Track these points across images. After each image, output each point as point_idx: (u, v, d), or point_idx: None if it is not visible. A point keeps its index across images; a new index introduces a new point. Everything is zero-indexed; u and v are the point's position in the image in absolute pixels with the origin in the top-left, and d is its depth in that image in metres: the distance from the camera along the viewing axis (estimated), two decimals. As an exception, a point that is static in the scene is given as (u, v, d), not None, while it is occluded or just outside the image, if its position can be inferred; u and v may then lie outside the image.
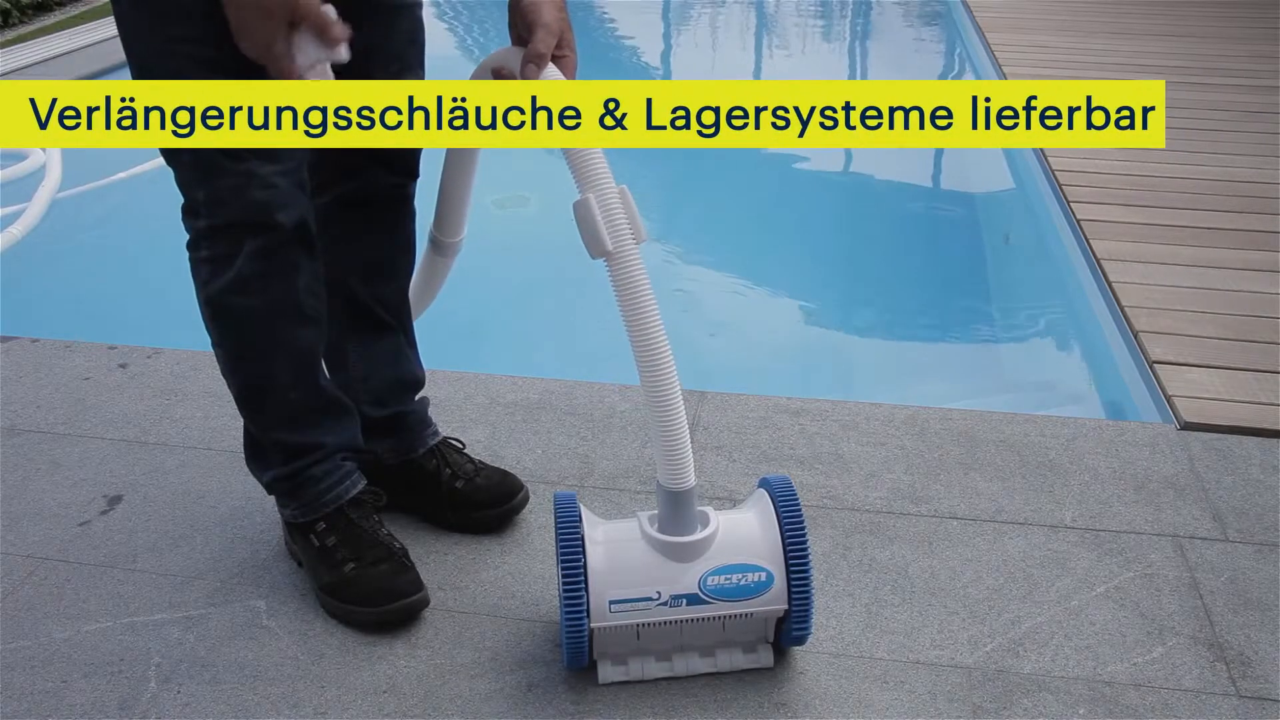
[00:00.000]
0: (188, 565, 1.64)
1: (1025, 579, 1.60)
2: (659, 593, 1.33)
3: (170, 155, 1.36)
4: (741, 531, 1.38)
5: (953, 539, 1.69)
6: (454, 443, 1.74)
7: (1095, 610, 1.53)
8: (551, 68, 1.33)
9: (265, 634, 1.51)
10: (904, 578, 1.60)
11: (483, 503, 1.68)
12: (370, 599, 1.50)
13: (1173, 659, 1.45)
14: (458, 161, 1.56)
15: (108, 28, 5.44)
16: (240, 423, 1.54)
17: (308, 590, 1.57)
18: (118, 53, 1.32)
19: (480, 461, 1.73)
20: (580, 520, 1.35)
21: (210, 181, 1.34)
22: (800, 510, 1.36)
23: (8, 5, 5.93)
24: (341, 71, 1.47)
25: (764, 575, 1.34)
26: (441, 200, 1.59)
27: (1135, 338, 2.33)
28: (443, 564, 1.63)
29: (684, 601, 1.34)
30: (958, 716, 1.36)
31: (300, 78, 1.25)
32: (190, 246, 1.41)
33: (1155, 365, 2.20)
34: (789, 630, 1.38)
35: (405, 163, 1.57)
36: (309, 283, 1.44)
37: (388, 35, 1.48)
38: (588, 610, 1.32)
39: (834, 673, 1.43)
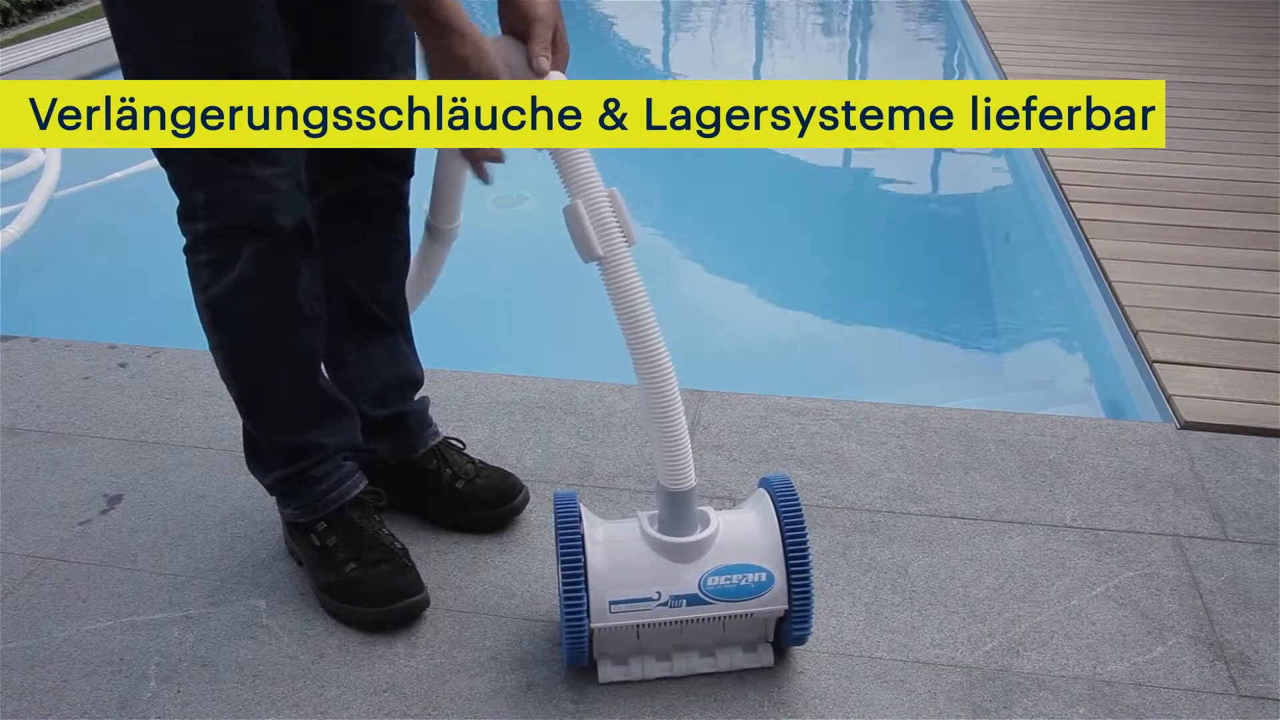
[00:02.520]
0: (188, 565, 1.64)
1: (1025, 578, 1.60)
2: (659, 593, 1.33)
3: (167, 158, 1.35)
4: (741, 532, 1.38)
5: (953, 538, 1.69)
6: (454, 443, 1.74)
7: (1095, 609, 1.53)
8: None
9: (265, 633, 1.51)
10: (904, 577, 1.60)
11: (483, 503, 1.68)
12: (371, 599, 1.50)
13: (1173, 658, 1.45)
14: (453, 149, 1.55)
15: (108, 27, 5.43)
16: (240, 422, 1.54)
17: (308, 590, 1.57)
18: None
19: (480, 461, 1.73)
20: (580, 520, 1.35)
21: (210, 185, 1.34)
22: (800, 510, 1.36)
23: (8, 5, 5.93)
24: (331, 72, 1.48)
25: (764, 576, 1.34)
26: (437, 187, 1.59)
27: (1135, 337, 2.33)
28: (443, 564, 1.63)
29: (684, 602, 1.34)
30: (958, 716, 1.36)
31: None
32: (189, 250, 1.40)
33: (1155, 364, 2.20)
34: (789, 630, 1.38)
35: (399, 162, 1.57)
36: (308, 284, 1.44)
37: (378, 36, 1.48)
38: (588, 611, 1.32)
39: (834, 672, 1.43)
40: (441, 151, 1.56)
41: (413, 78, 1.55)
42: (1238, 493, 1.79)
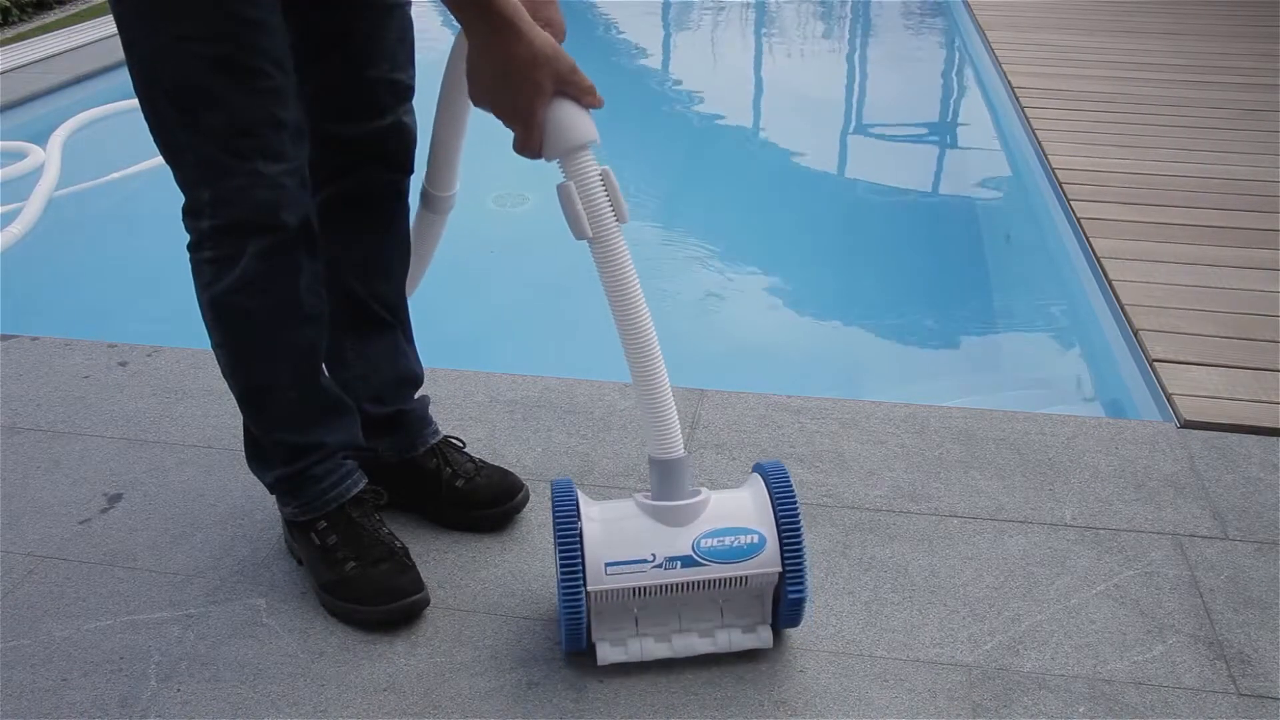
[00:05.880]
0: (188, 563, 1.64)
1: (1025, 577, 1.60)
2: (653, 554, 1.35)
3: (173, 155, 1.35)
4: (733, 499, 1.41)
5: (953, 537, 1.69)
6: (454, 441, 1.74)
7: (1095, 608, 1.54)
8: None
9: (265, 632, 1.51)
10: (904, 576, 1.60)
11: (483, 501, 1.68)
12: (371, 598, 1.50)
13: (1172, 657, 1.45)
14: (449, 113, 1.54)
15: (108, 26, 5.43)
16: (240, 420, 1.54)
17: (308, 589, 1.57)
18: (118, 51, 1.32)
19: (480, 460, 1.73)
20: (576, 496, 1.38)
21: (216, 182, 1.34)
22: (789, 480, 1.39)
23: (8, 3, 5.93)
24: (332, 72, 1.47)
25: (756, 538, 1.37)
26: (433, 153, 1.58)
27: (1135, 336, 2.33)
28: (443, 562, 1.63)
29: (678, 564, 1.35)
30: (958, 715, 1.36)
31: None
32: (192, 248, 1.40)
33: (1155, 363, 2.20)
34: (784, 596, 1.38)
35: (400, 159, 1.57)
36: (310, 282, 1.44)
37: (379, 35, 1.48)
38: (584, 575, 1.33)
39: (834, 671, 1.43)
40: (438, 115, 1.55)
41: (413, 77, 1.55)
42: (1238, 491, 1.79)
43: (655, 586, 1.36)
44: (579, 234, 1.30)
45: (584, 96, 1.28)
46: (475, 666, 1.44)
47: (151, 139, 1.35)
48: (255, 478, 1.59)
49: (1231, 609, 1.53)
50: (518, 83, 1.23)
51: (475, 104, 1.29)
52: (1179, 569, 1.61)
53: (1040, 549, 1.66)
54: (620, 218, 1.30)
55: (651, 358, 1.32)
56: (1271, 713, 1.36)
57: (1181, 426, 1.99)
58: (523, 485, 1.71)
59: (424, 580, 1.52)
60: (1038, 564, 1.62)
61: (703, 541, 1.36)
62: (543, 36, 1.23)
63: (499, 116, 1.28)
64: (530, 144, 1.27)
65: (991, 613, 1.53)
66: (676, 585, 1.36)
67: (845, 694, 1.39)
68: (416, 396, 1.72)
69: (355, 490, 1.56)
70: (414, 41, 1.54)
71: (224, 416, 2.01)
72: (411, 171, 1.60)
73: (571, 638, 1.38)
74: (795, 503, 1.37)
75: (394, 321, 1.66)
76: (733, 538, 1.36)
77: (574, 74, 1.26)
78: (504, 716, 1.36)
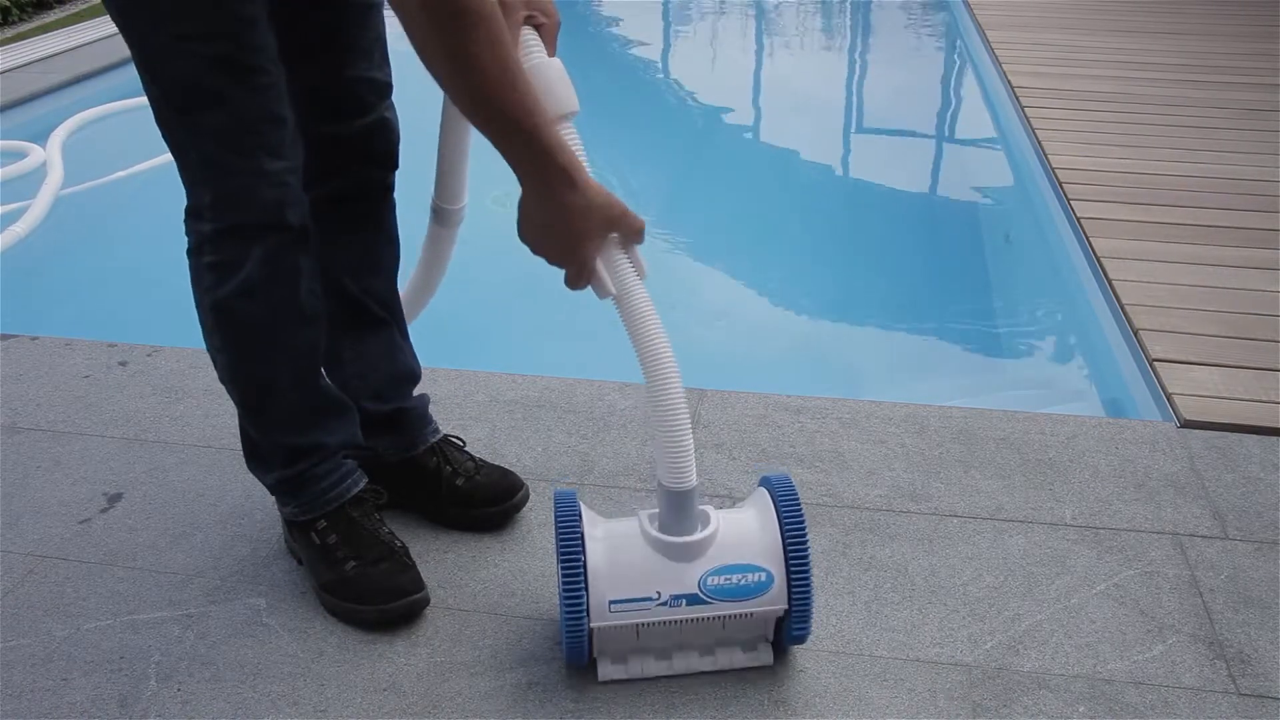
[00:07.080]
0: (188, 563, 1.64)
1: (1025, 577, 1.60)
2: (659, 593, 1.33)
3: (177, 153, 1.35)
4: (741, 531, 1.38)
5: (952, 537, 1.69)
6: (454, 440, 1.74)
7: (1095, 608, 1.54)
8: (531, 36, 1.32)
9: (265, 632, 1.51)
10: (904, 576, 1.60)
11: (483, 500, 1.68)
12: (371, 597, 1.50)
13: (1172, 657, 1.45)
14: (454, 126, 1.54)
15: (108, 25, 5.43)
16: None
17: (308, 588, 1.57)
18: (118, 50, 1.33)
19: (481, 459, 1.73)
20: (580, 518, 1.35)
21: (217, 182, 1.34)
22: (800, 509, 1.36)
23: (8, 3, 5.93)
24: (317, 71, 1.47)
25: (764, 575, 1.34)
26: (441, 167, 1.58)
27: (1135, 335, 2.33)
28: (443, 562, 1.63)
29: (684, 601, 1.34)
30: (958, 714, 1.36)
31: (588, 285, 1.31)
32: (192, 252, 1.40)
33: (1155, 363, 2.20)
34: (789, 630, 1.38)
35: (386, 155, 1.57)
36: (309, 283, 1.44)
37: (361, 34, 1.49)
38: (587, 610, 1.32)
39: (834, 670, 1.43)
40: (443, 128, 1.55)
41: (389, 75, 1.55)
42: (1238, 491, 1.79)
43: (659, 621, 1.35)
44: (602, 293, 1.29)
45: (633, 237, 1.29)
46: (475, 666, 1.44)
47: (160, 137, 1.35)
48: (255, 478, 1.59)
49: (1231, 609, 1.53)
50: (570, 231, 1.25)
51: (522, 240, 1.29)
52: (1179, 569, 1.61)
53: (1040, 549, 1.66)
54: (639, 274, 1.30)
55: (670, 381, 1.28)
56: (1271, 713, 1.36)
57: (1181, 426, 1.99)
58: (523, 484, 1.71)
59: (424, 579, 1.52)
60: (1038, 564, 1.62)
61: (709, 579, 1.34)
62: (596, 187, 1.24)
63: (547, 259, 1.29)
64: (579, 285, 1.30)
65: (991, 612, 1.53)
66: (681, 620, 1.35)
67: (845, 694, 1.39)
68: (416, 395, 1.72)
69: (355, 490, 1.56)
70: (386, 39, 1.55)
71: (224, 416, 2.01)
72: (397, 167, 1.60)
73: (573, 656, 1.37)
74: (805, 539, 1.34)
75: (388, 318, 1.66)
76: (740, 575, 1.34)
77: (625, 217, 1.27)
78: (504, 716, 1.36)
